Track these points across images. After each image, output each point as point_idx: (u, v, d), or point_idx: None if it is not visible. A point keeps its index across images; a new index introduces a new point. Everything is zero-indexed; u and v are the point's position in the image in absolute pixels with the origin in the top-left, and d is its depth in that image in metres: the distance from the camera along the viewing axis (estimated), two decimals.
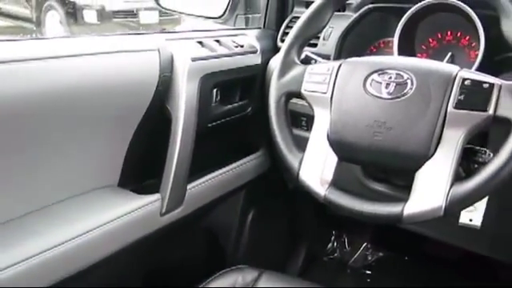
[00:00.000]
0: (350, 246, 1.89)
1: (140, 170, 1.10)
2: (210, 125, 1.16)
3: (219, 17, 1.39)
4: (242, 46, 1.22)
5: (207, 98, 1.13)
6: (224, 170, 1.26)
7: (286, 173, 0.90)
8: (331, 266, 1.85)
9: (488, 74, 0.77)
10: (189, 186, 1.14)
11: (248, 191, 1.45)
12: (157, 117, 1.04)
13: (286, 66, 0.93)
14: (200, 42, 1.12)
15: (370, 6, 1.16)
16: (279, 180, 1.47)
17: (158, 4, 1.38)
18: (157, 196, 1.05)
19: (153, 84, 0.99)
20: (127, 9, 6.40)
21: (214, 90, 1.16)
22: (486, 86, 0.74)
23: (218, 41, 1.17)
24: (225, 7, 1.38)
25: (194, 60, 1.05)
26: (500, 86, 0.73)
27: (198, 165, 1.14)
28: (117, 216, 0.96)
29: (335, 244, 1.90)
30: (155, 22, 6.34)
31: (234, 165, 1.30)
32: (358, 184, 1.21)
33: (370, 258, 1.85)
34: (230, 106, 1.23)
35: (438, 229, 1.25)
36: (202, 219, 1.37)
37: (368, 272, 1.80)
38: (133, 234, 1.01)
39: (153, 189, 1.07)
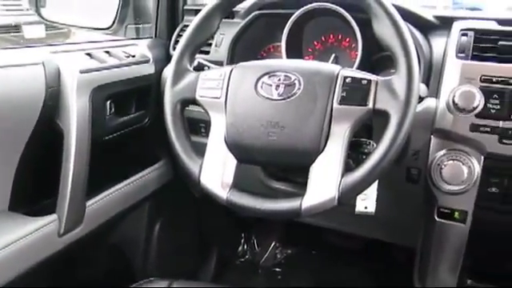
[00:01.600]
0: (259, 246, 1.93)
1: (33, 191, 1.04)
2: (105, 138, 1.13)
3: (108, 27, 1.36)
4: (133, 56, 1.20)
5: (101, 110, 1.09)
6: (125, 183, 1.23)
7: (189, 180, 0.90)
8: (243, 268, 1.87)
9: (368, 71, 0.84)
10: (88, 203, 1.10)
11: (153, 202, 1.42)
12: (47, 133, 0.99)
13: (178, 74, 0.93)
14: (89, 54, 1.09)
15: (257, 12, 1.21)
16: (184, 188, 1.46)
17: (40, 15, 1.31)
18: (53, 217, 1.00)
19: (39, 99, 0.94)
20: (7, 23, 5.93)
21: (108, 102, 1.13)
22: (364, 82, 0.80)
23: (107, 52, 1.14)
24: (113, 18, 1.35)
25: (82, 72, 1.02)
26: (376, 82, 0.79)
27: (97, 180, 1.10)
28: (9, 242, 0.90)
29: (245, 246, 1.93)
30: (42, 37, 5.96)
31: (135, 177, 1.27)
32: (260, 184, 1.24)
33: (279, 256, 1.91)
34: (125, 118, 1.20)
35: (338, 220, 1.32)
36: (107, 235, 1.32)
37: (278, 270, 1.86)
38: (30, 259, 0.95)
39: (50, 209, 1.02)
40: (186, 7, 1.43)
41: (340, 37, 1.18)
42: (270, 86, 0.84)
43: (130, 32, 1.44)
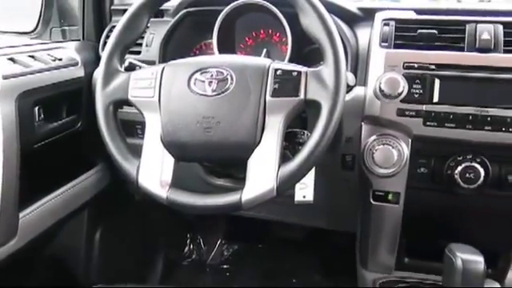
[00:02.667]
0: (205, 245, 1.92)
1: None
2: (36, 145, 1.09)
3: (31, 31, 1.30)
4: (60, 60, 1.16)
5: (29, 117, 1.05)
6: (60, 190, 1.19)
7: (127, 182, 0.89)
8: (191, 268, 1.87)
9: (299, 64, 0.86)
10: (21, 215, 1.05)
11: (92, 209, 1.39)
12: None
13: (109, 75, 0.91)
14: (11, 59, 1.04)
15: (186, 10, 1.20)
16: (124, 192, 1.44)
17: None
18: None
19: None
20: None
21: (36, 108, 1.08)
22: (294, 74, 0.82)
23: (32, 56, 1.10)
24: (36, 21, 1.29)
25: (5, 78, 0.97)
26: (306, 73, 0.82)
27: (30, 190, 1.06)
28: None
29: (191, 246, 1.92)
30: None
31: (71, 184, 1.23)
32: (201, 182, 1.24)
33: (226, 253, 1.92)
34: (56, 124, 1.16)
35: (280, 211, 1.34)
36: (45, 246, 1.27)
37: (226, 267, 1.86)
38: None
39: None
40: (113, 7, 1.40)
41: (270, 32, 1.21)
42: (203, 82, 0.85)
43: (55, 35, 1.38)
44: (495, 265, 1.11)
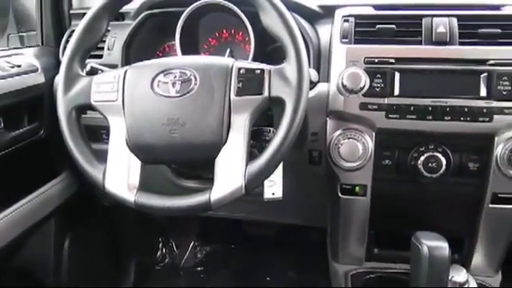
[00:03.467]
0: (178, 248, 1.91)
1: None
2: None
3: None
4: (19, 66, 1.13)
5: None
6: (25, 200, 1.16)
7: (94, 188, 0.88)
8: (164, 273, 1.85)
9: (263, 62, 0.87)
10: None
11: (59, 218, 1.36)
12: None
13: (70, 80, 0.90)
14: None
15: (147, 12, 1.19)
16: (92, 199, 1.41)
17: None
18: None
19: None
20: None
21: None
22: (258, 72, 0.83)
23: None
24: None
25: None
26: (269, 71, 0.83)
27: None
28: None
29: (164, 250, 1.90)
30: None
31: (36, 193, 1.20)
32: (169, 184, 1.24)
33: (199, 256, 1.91)
34: (18, 132, 1.14)
35: (251, 209, 1.35)
36: (11, 258, 1.24)
37: (200, 269, 1.86)
38: None
39: None
40: (72, 11, 1.37)
41: (233, 31, 1.21)
42: (167, 83, 0.84)
43: (13, 42, 1.35)
44: (461, 250, 1.15)
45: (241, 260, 1.85)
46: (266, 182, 0.98)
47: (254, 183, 0.81)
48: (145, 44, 1.23)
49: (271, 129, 1.01)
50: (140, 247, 1.79)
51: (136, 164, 0.85)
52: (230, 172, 0.81)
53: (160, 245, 1.90)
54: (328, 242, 1.29)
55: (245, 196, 0.81)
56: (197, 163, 1.05)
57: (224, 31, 1.21)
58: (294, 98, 0.80)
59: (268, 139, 0.97)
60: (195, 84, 0.84)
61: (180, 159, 0.92)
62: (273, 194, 1.00)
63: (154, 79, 0.85)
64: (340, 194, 1.10)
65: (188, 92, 0.83)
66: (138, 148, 0.85)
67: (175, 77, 0.85)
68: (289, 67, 0.82)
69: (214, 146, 0.82)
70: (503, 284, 1.16)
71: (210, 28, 1.20)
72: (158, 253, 1.89)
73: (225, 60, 0.87)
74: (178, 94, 0.83)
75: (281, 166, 0.97)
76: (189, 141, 0.83)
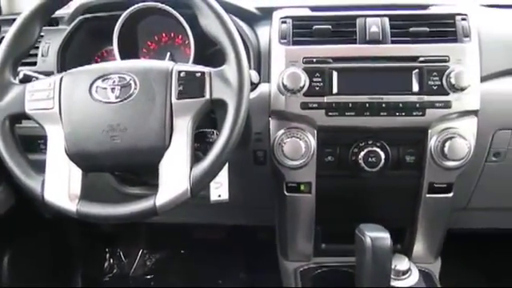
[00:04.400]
0: (126, 257, 1.87)
1: None
2: None
3: None
4: None
5: None
6: None
7: (33, 199, 0.84)
8: (113, 284, 1.80)
9: (205, 65, 0.87)
10: None
11: None
12: None
13: (2, 89, 0.86)
14: None
15: (82, 17, 1.16)
16: (34, 211, 1.36)
17: None
18: None
19: None
20: None
21: None
22: (198, 75, 0.83)
23: None
24: None
25: None
26: (210, 73, 0.83)
27: None
28: None
29: (112, 261, 1.86)
30: None
31: None
32: (114, 192, 1.21)
33: (148, 263, 1.88)
34: None
35: (199, 213, 1.34)
36: None
37: (150, 277, 1.83)
38: None
39: None
40: (0, 17, 1.31)
41: (173, 35, 1.20)
42: (105, 89, 0.83)
43: None
44: (403, 240, 1.20)
45: (191, 265, 1.83)
46: (212, 184, 0.99)
47: (200, 186, 0.81)
48: (81, 49, 1.19)
49: (215, 131, 1.01)
50: (86, 259, 1.74)
51: (77, 173, 0.83)
52: (175, 176, 0.80)
53: (107, 255, 1.85)
54: (277, 241, 1.31)
55: (191, 199, 0.81)
56: (140, 169, 1.04)
57: (163, 35, 1.20)
58: (235, 100, 0.81)
59: (212, 141, 0.98)
60: (135, 89, 0.83)
61: (123, 165, 0.90)
62: (219, 196, 1.01)
63: (91, 85, 0.84)
64: (286, 193, 1.12)
65: (128, 97, 0.82)
66: (78, 156, 0.83)
67: (114, 82, 0.83)
68: (229, 69, 0.83)
69: (157, 150, 0.81)
70: (443, 269, 1.23)
71: (149, 32, 1.18)
72: (106, 263, 1.84)
73: (165, 63, 0.87)
74: (118, 100, 0.82)
75: (226, 168, 0.98)
76: (131, 146, 0.82)
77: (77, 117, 0.83)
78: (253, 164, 1.13)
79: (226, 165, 0.97)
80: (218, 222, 1.47)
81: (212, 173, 0.82)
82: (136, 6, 1.07)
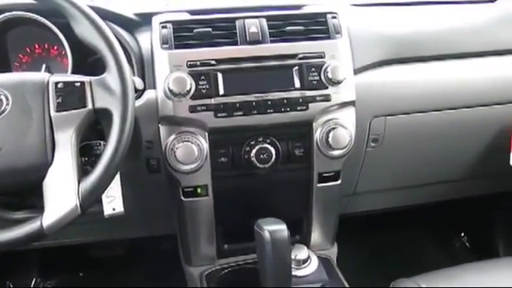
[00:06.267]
0: None
1: None
2: None
3: None
4: None
5: None
6: None
7: None
8: None
9: (85, 75, 0.83)
10: None
11: None
12: None
13: None
14: None
15: None
16: None
17: None
18: None
19: None
20: None
21: None
22: (77, 84, 0.80)
23: None
24: None
25: None
26: (90, 82, 0.80)
27: None
28: None
29: None
30: None
31: None
32: None
33: None
34: None
35: (94, 231, 1.29)
36: None
37: None
38: None
39: None
40: None
41: (47, 46, 1.13)
42: None
43: None
44: (301, 231, 1.25)
45: (93, 287, 1.74)
46: (105, 198, 0.95)
47: (90, 200, 0.78)
48: None
49: (102, 142, 0.97)
50: None
51: None
52: (62, 193, 0.76)
53: None
54: (179, 248, 1.29)
55: (82, 216, 0.78)
56: (23, 190, 0.96)
57: (36, 46, 1.13)
58: (120, 108, 0.79)
59: (99, 153, 0.94)
60: (7, 104, 0.78)
61: (1, 188, 0.83)
62: (113, 209, 0.97)
63: None
64: (183, 198, 1.11)
65: (0, 114, 0.76)
66: None
67: None
68: (110, 77, 0.80)
69: (39, 167, 0.77)
70: (339, 253, 1.30)
71: (19, 43, 1.10)
72: None
73: (39, 75, 0.82)
74: None
75: (118, 180, 0.95)
76: (9, 166, 0.76)
77: None
78: (147, 173, 1.11)
79: (118, 176, 0.94)
80: (117, 238, 1.41)
81: (102, 185, 0.79)
82: (1, 16, 0.99)
